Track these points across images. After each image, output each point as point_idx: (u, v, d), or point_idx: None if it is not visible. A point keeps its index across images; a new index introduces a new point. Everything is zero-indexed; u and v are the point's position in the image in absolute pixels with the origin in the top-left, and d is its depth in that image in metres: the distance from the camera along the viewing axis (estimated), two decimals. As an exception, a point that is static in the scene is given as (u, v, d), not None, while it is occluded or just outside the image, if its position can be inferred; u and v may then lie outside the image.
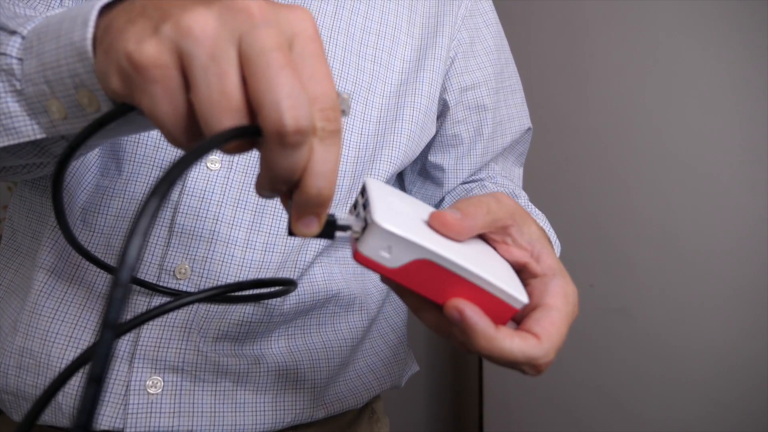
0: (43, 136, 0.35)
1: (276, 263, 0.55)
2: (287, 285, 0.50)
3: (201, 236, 0.52)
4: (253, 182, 0.54)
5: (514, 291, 0.34)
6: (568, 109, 1.46)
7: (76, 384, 0.49)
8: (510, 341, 0.33)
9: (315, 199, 0.28)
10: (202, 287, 0.52)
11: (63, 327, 0.50)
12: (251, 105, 0.26)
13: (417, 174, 0.72)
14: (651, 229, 1.29)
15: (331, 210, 0.59)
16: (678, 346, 1.24)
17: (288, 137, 0.25)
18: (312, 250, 0.56)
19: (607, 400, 1.36)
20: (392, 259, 0.31)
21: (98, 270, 0.52)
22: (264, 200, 0.54)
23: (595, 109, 1.40)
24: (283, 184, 0.28)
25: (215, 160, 0.53)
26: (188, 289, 0.52)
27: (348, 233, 0.32)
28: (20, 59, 0.34)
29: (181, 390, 0.51)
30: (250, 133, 0.26)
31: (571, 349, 1.43)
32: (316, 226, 0.30)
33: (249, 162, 0.54)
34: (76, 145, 0.31)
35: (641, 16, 1.31)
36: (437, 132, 0.69)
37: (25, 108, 0.35)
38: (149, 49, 0.26)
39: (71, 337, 0.50)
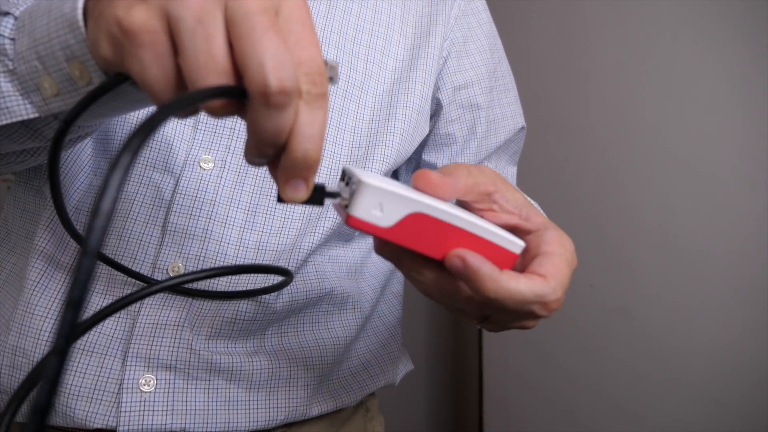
0: (36, 115, 0.36)
1: (269, 261, 0.55)
2: (284, 274, 0.49)
3: (194, 235, 0.52)
4: (245, 182, 0.54)
5: (512, 236, 0.34)
6: (567, 109, 1.46)
7: (67, 382, 0.49)
8: (516, 281, 0.33)
9: (302, 161, 0.28)
10: (194, 285, 0.52)
11: (55, 326, 0.51)
12: (238, 68, 0.27)
13: (411, 173, 0.72)
14: (651, 229, 1.29)
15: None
16: (677, 346, 1.24)
17: (272, 97, 0.26)
18: (305, 248, 0.56)
19: (607, 400, 1.36)
20: (385, 216, 0.31)
21: None
22: (257, 199, 0.54)
23: (595, 109, 1.40)
24: (269, 147, 0.28)
25: (208, 160, 0.53)
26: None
27: (337, 200, 0.32)
28: (12, 39, 0.35)
29: (173, 388, 0.51)
30: (235, 93, 0.27)
31: (571, 349, 1.43)
32: (303, 190, 0.30)
33: (242, 161, 0.54)
34: (70, 119, 0.32)
35: (640, 16, 1.31)
36: (431, 131, 0.69)
37: (18, 87, 0.35)
38: (138, 14, 0.27)
39: None
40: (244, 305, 0.54)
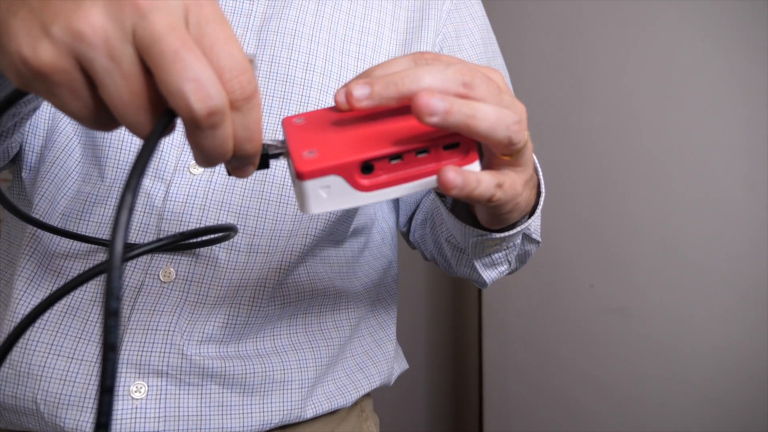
0: None
1: (260, 264, 0.54)
2: (228, 230, 0.48)
3: None
4: (235, 185, 0.54)
5: None
6: (567, 109, 1.45)
7: (55, 391, 0.49)
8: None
9: (245, 159, 0.30)
10: (187, 290, 0.52)
11: (44, 335, 0.50)
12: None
13: None
14: (650, 229, 1.29)
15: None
16: (677, 346, 1.24)
17: (202, 122, 0.26)
18: (297, 250, 0.56)
19: (607, 400, 1.35)
20: (334, 196, 0.31)
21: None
22: (247, 202, 0.54)
23: (594, 110, 1.39)
24: (215, 159, 0.28)
25: (197, 165, 0.53)
26: (172, 293, 0.52)
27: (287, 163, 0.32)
28: None
29: (165, 394, 0.50)
30: (171, 117, 0.27)
31: (571, 349, 1.43)
32: (251, 170, 0.31)
33: None
34: None
35: (639, 16, 1.31)
36: None
37: None
38: (46, 53, 0.25)
39: (52, 345, 0.50)
40: (235, 309, 0.53)
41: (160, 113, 0.27)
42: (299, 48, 0.57)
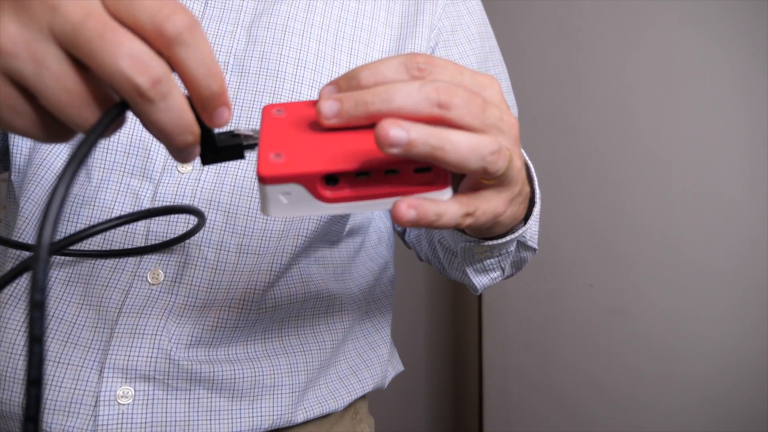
0: None
1: (251, 265, 0.54)
2: (195, 214, 0.47)
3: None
4: (224, 183, 0.53)
5: None
6: (566, 109, 1.44)
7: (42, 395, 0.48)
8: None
9: (211, 96, 0.28)
10: (176, 292, 0.51)
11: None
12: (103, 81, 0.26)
13: None
14: (650, 229, 1.28)
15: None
16: (677, 346, 1.23)
17: (149, 93, 0.25)
18: (288, 251, 0.55)
19: (607, 400, 1.35)
20: (294, 202, 0.30)
21: None
22: (236, 201, 0.53)
23: (594, 109, 1.39)
24: (186, 138, 0.28)
25: (186, 163, 0.52)
26: (162, 294, 0.51)
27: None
28: None
29: (153, 399, 0.50)
30: (120, 109, 0.26)
31: (571, 348, 1.42)
32: (227, 113, 0.29)
33: (221, 164, 0.53)
34: None
35: (639, 16, 1.30)
36: None
37: None
38: None
39: None
40: (225, 313, 0.52)
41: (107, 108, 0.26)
42: (290, 44, 0.57)
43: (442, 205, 0.30)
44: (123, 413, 0.49)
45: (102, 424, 0.48)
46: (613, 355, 1.34)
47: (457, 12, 0.66)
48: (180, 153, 0.29)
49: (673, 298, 1.24)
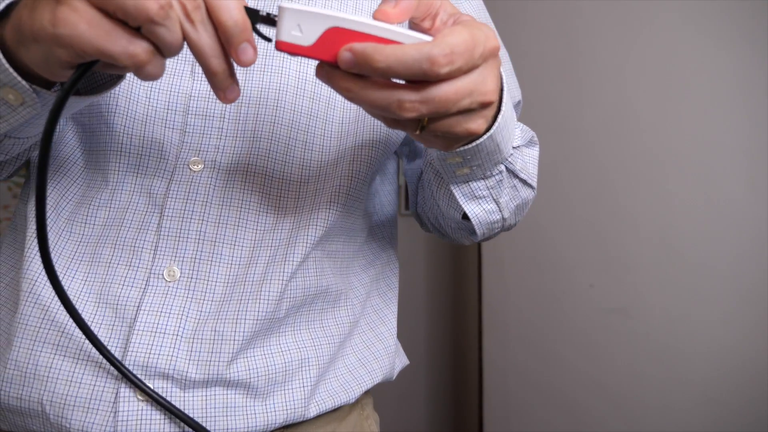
0: None
1: (265, 258, 0.54)
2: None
3: (188, 237, 0.52)
4: (236, 179, 0.54)
5: (423, 36, 0.35)
6: (566, 109, 1.45)
7: (62, 392, 0.49)
8: (402, 47, 0.34)
9: (235, 28, 0.34)
10: (192, 288, 0.52)
11: (50, 335, 0.50)
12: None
13: (406, 156, 0.71)
14: (650, 229, 1.29)
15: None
16: (677, 346, 1.24)
17: (158, 15, 0.32)
18: (303, 244, 0.56)
19: (607, 400, 1.36)
20: (305, 36, 0.35)
21: None
22: (248, 196, 0.54)
23: (594, 109, 1.40)
24: (213, 56, 0.34)
25: (197, 162, 0.53)
26: (180, 291, 0.51)
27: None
28: None
29: (170, 397, 0.50)
30: (89, 63, 0.34)
31: (571, 348, 1.43)
32: (251, 52, 0.35)
33: (232, 160, 0.54)
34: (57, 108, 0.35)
35: (639, 16, 1.31)
36: None
37: None
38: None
39: (58, 345, 0.50)
40: (243, 305, 0.53)
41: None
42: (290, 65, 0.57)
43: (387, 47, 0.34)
44: (142, 410, 0.49)
45: (121, 421, 0.48)
46: (612, 356, 1.35)
47: (462, 10, 0.67)
48: (214, 78, 0.35)
49: (672, 298, 1.25)
